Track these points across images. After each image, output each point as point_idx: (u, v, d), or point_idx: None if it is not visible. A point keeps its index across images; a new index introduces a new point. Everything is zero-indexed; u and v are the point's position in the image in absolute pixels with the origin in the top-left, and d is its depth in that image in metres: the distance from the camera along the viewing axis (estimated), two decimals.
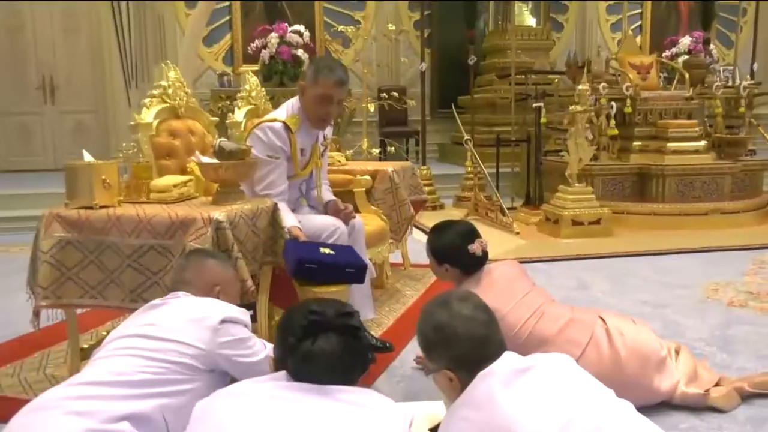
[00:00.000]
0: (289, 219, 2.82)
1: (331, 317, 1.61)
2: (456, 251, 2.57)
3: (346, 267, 2.61)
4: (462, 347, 1.67)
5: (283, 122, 2.94)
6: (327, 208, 3.17)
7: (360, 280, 2.63)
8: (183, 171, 3.03)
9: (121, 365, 1.79)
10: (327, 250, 2.68)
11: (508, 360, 1.67)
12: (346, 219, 3.10)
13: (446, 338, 1.69)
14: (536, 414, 1.52)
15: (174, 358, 1.83)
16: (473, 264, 2.58)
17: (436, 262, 2.65)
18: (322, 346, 1.58)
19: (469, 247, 2.55)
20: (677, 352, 2.55)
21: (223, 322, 1.93)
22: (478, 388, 1.61)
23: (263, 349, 2.04)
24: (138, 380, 1.76)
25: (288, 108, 3.05)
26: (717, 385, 2.49)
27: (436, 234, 2.66)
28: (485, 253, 2.60)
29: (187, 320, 1.92)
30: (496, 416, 1.53)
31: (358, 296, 3.04)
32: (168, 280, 2.38)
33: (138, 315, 2.01)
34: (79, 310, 2.75)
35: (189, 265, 2.16)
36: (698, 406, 2.42)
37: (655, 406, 2.42)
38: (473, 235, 2.60)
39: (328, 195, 3.26)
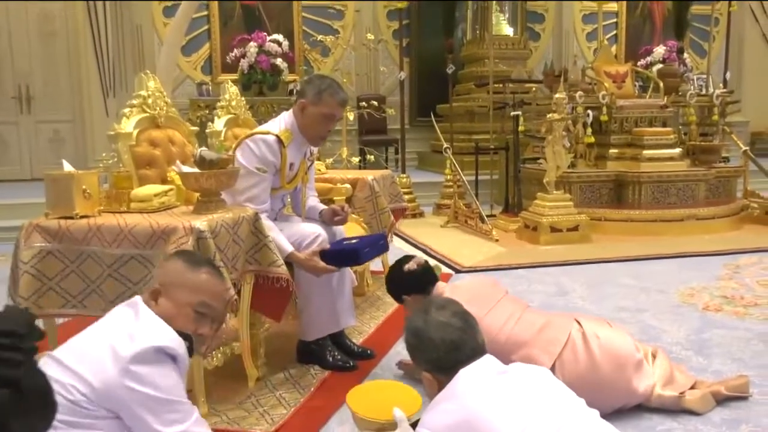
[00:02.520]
0: (285, 244, 2.86)
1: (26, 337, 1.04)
2: (402, 278, 2.79)
3: (364, 248, 2.92)
4: (436, 351, 1.80)
5: (276, 136, 2.94)
6: (322, 216, 3.20)
7: (384, 248, 3.05)
8: (163, 180, 3.03)
9: None
10: (353, 241, 3.11)
11: (487, 362, 1.79)
12: (342, 222, 3.19)
13: (422, 343, 1.83)
14: (504, 411, 1.65)
15: (66, 394, 1.52)
16: (421, 281, 2.75)
17: (399, 301, 2.87)
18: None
19: (405, 267, 2.79)
20: (654, 356, 2.60)
21: (134, 361, 1.55)
22: (456, 384, 1.74)
23: (190, 420, 1.64)
24: None
25: (281, 122, 3.04)
26: (693, 388, 2.53)
27: (388, 282, 2.91)
28: (423, 267, 2.79)
29: (98, 345, 1.61)
30: (470, 410, 1.66)
31: (341, 304, 3.07)
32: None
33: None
34: (59, 320, 2.74)
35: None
36: (674, 409, 2.47)
37: (632, 409, 2.47)
38: (407, 258, 2.86)
39: (319, 205, 3.30)
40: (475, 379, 1.73)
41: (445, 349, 1.79)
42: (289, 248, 2.86)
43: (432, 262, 2.96)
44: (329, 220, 3.15)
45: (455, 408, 1.69)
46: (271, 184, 3.00)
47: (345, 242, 3.11)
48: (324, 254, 2.87)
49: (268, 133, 2.96)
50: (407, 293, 2.77)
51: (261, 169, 2.88)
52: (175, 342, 1.68)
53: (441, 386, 1.77)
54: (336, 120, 3.06)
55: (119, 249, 2.40)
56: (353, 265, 3.15)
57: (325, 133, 3.06)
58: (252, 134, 3.00)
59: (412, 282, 2.76)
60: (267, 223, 2.86)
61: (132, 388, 1.55)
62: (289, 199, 3.27)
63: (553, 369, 2.39)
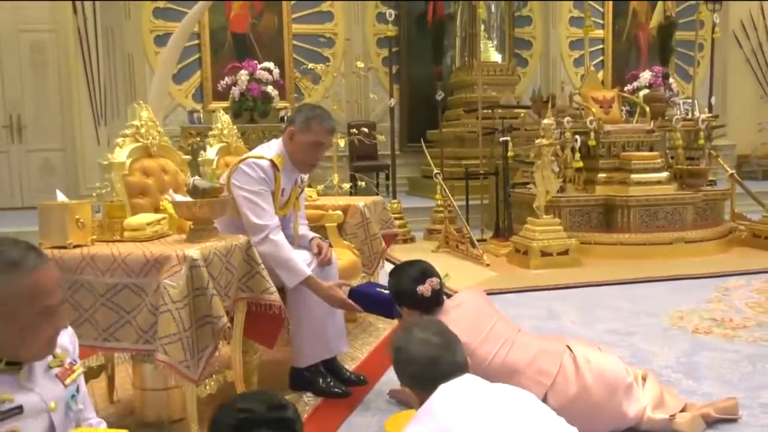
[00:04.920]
0: (304, 267, 2.87)
1: (262, 413, 1.47)
2: (407, 294, 2.67)
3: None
4: (415, 366, 1.87)
5: (271, 160, 2.98)
6: (309, 245, 3.20)
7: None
8: (156, 209, 3.04)
9: None
10: (382, 290, 2.99)
11: (467, 380, 1.84)
12: (322, 264, 3.12)
13: (403, 358, 1.90)
14: (476, 429, 1.68)
15: None
16: (428, 304, 2.65)
17: (397, 305, 2.76)
18: None
19: (417, 288, 2.64)
20: (644, 379, 2.62)
21: None
22: (433, 400, 1.78)
23: None
24: None
25: (272, 149, 3.07)
26: (683, 410, 2.55)
27: (391, 278, 2.77)
28: (436, 293, 2.66)
29: None
30: (444, 426, 1.70)
31: (332, 330, 3.08)
32: (140, 319, 2.39)
33: None
34: None
35: None
36: None
37: None
38: (424, 276, 2.67)
39: (309, 233, 3.29)
40: (452, 396, 1.77)
41: (423, 365, 1.85)
42: (308, 272, 2.87)
43: (441, 272, 2.82)
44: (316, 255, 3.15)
45: (431, 423, 1.73)
46: None
47: (377, 288, 3.06)
48: (355, 294, 2.89)
49: (261, 157, 2.99)
50: (410, 307, 2.68)
51: (262, 190, 2.90)
52: None
53: (421, 401, 1.83)
54: (324, 148, 3.08)
55: (112, 278, 2.41)
56: (382, 314, 3.09)
57: (314, 161, 3.08)
58: (245, 158, 3.01)
59: (419, 302, 2.66)
60: (285, 242, 2.89)
61: None
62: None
63: (545, 395, 2.42)
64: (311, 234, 3.26)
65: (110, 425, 1.76)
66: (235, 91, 8.79)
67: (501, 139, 6.72)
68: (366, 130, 7.42)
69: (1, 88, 9.05)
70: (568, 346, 2.58)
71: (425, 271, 2.71)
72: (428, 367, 1.84)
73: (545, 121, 5.78)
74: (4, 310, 1.45)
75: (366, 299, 2.93)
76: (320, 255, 3.10)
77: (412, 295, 2.65)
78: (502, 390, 1.84)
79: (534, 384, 2.45)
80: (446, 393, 1.78)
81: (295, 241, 3.19)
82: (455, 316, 2.58)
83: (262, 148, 3.13)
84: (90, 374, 2.78)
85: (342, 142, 7.13)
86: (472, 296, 2.76)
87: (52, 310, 1.50)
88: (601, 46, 11.34)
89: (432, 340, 1.88)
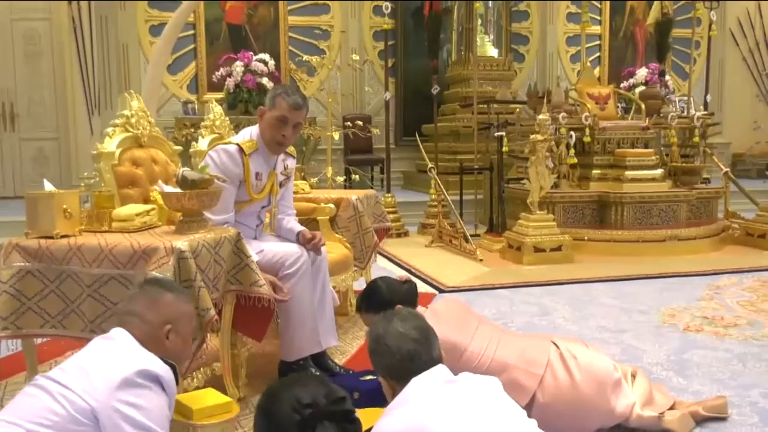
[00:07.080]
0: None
1: (324, 406, 1.54)
2: (393, 290, 2.73)
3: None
4: (391, 359, 1.86)
5: (237, 144, 2.97)
6: (297, 238, 3.18)
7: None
8: (146, 200, 3.02)
9: (25, 406, 1.66)
10: (367, 377, 2.79)
11: (437, 371, 1.84)
12: (315, 250, 3.11)
13: (380, 349, 1.89)
14: (451, 419, 1.68)
15: (60, 409, 1.63)
16: (413, 295, 2.75)
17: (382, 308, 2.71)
18: None
19: (397, 278, 2.84)
20: (633, 376, 2.62)
21: (124, 384, 1.67)
22: (408, 392, 1.79)
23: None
24: (33, 426, 1.61)
25: (246, 133, 3.10)
26: (672, 408, 2.55)
27: (376, 294, 2.76)
28: (410, 280, 2.85)
29: (93, 366, 1.71)
30: (419, 417, 1.70)
31: (322, 324, 3.06)
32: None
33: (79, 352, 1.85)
34: (38, 340, 2.72)
35: (141, 296, 1.95)
36: (654, 429, 2.47)
37: (611, 429, 2.48)
38: (382, 277, 2.86)
39: (297, 226, 3.27)
40: (425, 388, 1.78)
41: (399, 358, 1.85)
42: (255, 258, 2.83)
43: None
44: (305, 244, 3.12)
45: (406, 415, 1.73)
46: (239, 198, 3.00)
47: (361, 378, 2.88)
48: (362, 393, 2.68)
49: (229, 143, 3.01)
50: (402, 304, 2.65)
51: (220, 178, 2.88)
52: (162, 368, 1.78)
53: (394, 393, 1.84)
54: (291, 124, 3.01)
55: (99, 269, 2.38)
56: (371, 404, 2.62)
57: (280, 138, 3.02)
58: (214, 146, 3.04)
59: (406, 292, 2.73)
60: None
61: (119, 410, 1.65)
62: (267, 220, 3.27)
63: (534, 392, 2.42)
64: (298, 227, 3.23)
65: None
66: (230, 83, 8.77)
67: (496, 134, 6.71)
68: (361, 123, 7.38)
69: None
70: (552, 342, 2.57)
71: (380, 277, 2.88)
72: (404, 361, 1.84)
73: (540, 116, 5.77)
74: (183, 326, 1.94)
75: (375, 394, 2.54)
76: (313, 239, 3.10)
77: (402, 288, 2.73)
78: (468, 379, 1.85)
79: (526, 375, 2.45)
80: (419, 387, 1.79)
81: (272, 227, 3.20)
82: (438, 319, 2.56)
83: (238, 134, 3.15)
84: None
85: (337, 135, 7.12)
86: (449, 302, 2.79)
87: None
88: (597, 43, 11.32)
89: (411, 335, 1.87)
